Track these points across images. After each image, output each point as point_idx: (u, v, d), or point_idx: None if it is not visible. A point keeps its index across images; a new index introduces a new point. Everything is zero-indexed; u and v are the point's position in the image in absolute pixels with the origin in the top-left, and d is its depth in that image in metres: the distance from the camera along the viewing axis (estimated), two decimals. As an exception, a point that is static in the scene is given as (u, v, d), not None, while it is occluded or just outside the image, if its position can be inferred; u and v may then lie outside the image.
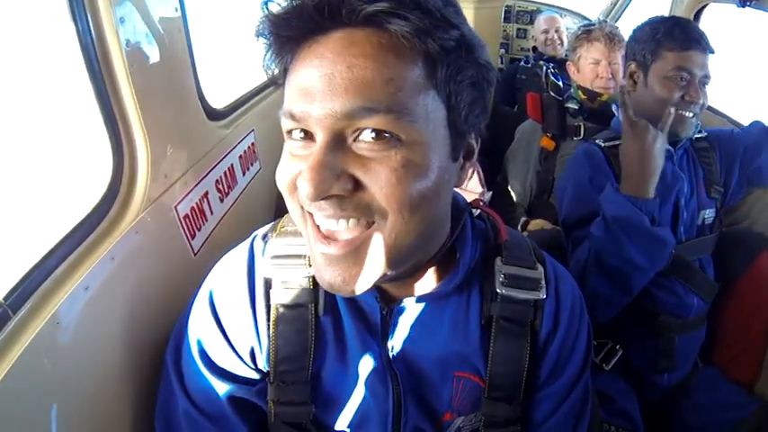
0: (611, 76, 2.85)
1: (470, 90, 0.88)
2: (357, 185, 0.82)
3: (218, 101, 1.90)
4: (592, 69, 2.91)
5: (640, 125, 1.79)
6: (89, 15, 1.16)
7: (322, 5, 0.79)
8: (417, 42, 0.79)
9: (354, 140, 0.82)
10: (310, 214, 0.89)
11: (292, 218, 0.96)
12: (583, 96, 2.94)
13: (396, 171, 0.81)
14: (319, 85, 0.80)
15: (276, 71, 0.89)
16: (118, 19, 1.19)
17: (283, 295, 1.09)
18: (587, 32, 2.93)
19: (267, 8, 0.84)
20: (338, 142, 0.82)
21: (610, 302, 1.87)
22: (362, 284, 0.89)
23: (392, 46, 0.80)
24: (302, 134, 0.85)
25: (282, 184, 0.90)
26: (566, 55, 4.35)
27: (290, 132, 0.87)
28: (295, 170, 0.86)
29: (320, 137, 0.82)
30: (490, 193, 2.96)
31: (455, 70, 0.85)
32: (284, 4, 0.83)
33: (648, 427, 1.95)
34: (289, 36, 0.84)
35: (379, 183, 0.82)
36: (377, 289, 1.05)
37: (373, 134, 0.80)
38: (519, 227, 2.94)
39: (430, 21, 0.79)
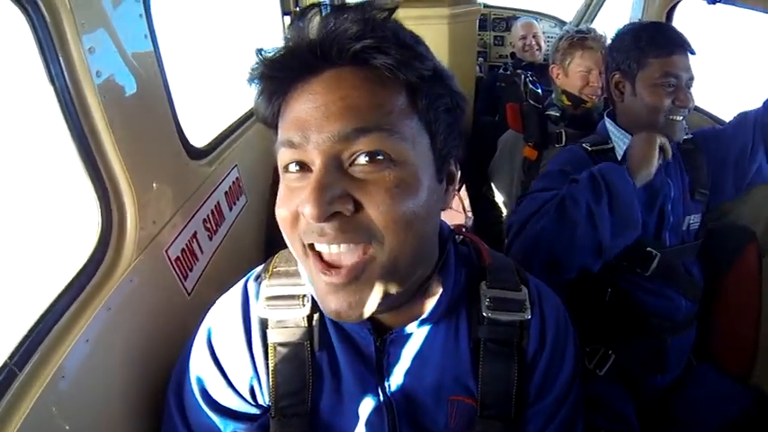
0: (600, 84, 2.81)
1: (446, 116, 0.96)
2: (356, 207, 0.87)
3: (199, 139, 1.92)
4: (582, 77, 2.90)
5: (653, 138, 1.87)
6: (65, 72, 1.18)
7: (314, 46, 0.88)
8: (399, 74, 0.88)
9: (350, 165, 0.88)
10: (311, 247, 0.93)
11: (293, 252, 1.00)
12: (567, 102, 2.95)
13: (390, 191, 0.87)
14: (315, 114, 0.87)
15: (269, 112, 0.96)
16: (94, 73, 1.21)
17: (280, 335, 1.13)
18: (582, 39, 2.92)
19: (261, 54, 0.92)
20: (336, 166, 0.88)
21: (552, 242, 1.82)
22: (368, 308, 0.93)
23: (378, 78, 0.88)
24: (298, 167, 0.91)
25: (283, 218, 0.94)
26: (545, 60, 4.38)
27: (286, 167, 0.92)
28: (296, 202, 0.90)
29: (318, 162, 0.87)
30: (472, 219, 2.97)
31: (433, 98, 0.93)
32: (278, 49, 0.91)
33: (645, 428, 1.97)
34: (283, 77, 0.92)
35: (376, 202, 0.87)
36: (369, 321, 1.08)
37: (367, 157, 0.87)
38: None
39: (408, 54, 0.88)
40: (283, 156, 0.92)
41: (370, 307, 0.93)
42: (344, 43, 0.86)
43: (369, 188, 0.87)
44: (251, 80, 0.95)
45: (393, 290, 0.95)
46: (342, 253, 0.91)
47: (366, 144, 0.86)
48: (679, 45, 1.94)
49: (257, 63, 0.92)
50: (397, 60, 0.87)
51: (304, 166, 0.90)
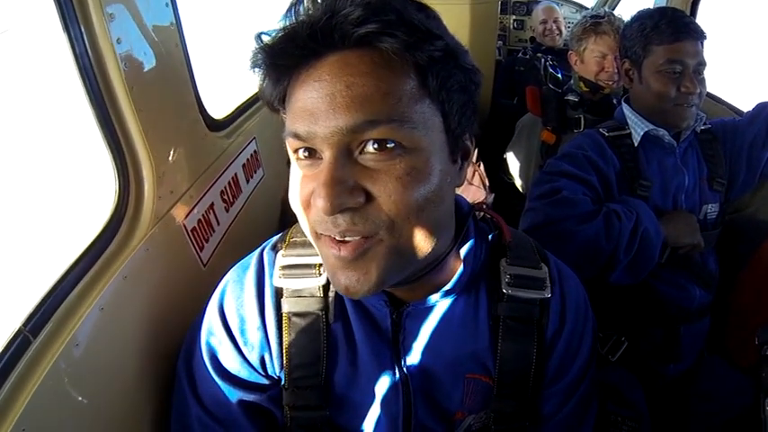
0: (616, 70, 2.79)
1: (460, 94, 0.92)
2: (368, 197, 0.86)
3: (218, 110, 1.91)
4: (597, 62, 2.88)
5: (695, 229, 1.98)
6: (86, 38, 1.17)
7: (314, 32, 0.83)
8: (408, 56, 0.84)
9: (360, 153, 0.86)
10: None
11: (304, 233, 0.99)
12: (584, 88, 2.94)
13: (401, 179, 0.86)
14: (322, 105, 0.84)
15: (274, 99, 0.93)
16: (115, 40, 1.20)
17: (294, 304, 1.12)
18: (596, 25, 2.89)
19: (261, 39, 0.88)
20: (345, 156, 0.86)
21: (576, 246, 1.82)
22: (377, 283, 0.92)
23: (385, 62, 0.84)
24: (307, 153, 0.89)
25: (296, 203, 0.94)
26: (564, 44, 4.35)
27: (296, 152, 0.91)
28: (307, 190, 0.89)
29: (327, 154, 0.86)
30: (492, 195, 2.96)
31: (445, 77, 0.89)
32: (277, 34, 0.87)
33: (656, 417, 1.95)
34: (285, 64, 0.88)
35: (387, 191, 0.86)
36: (386, 293, 1.08)
37: (376, 145, 0.85)
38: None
39: (416, 35, 0.84)
40: (291, 144, 0.91)
41: (380, 282, 0.92)
42: (347, 28, 0.82)
43: (380, 177, 0.86)
44: (253, 67, 0.92)
45: (403, 268, 0.95)
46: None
47: (375, 134, 0.84)
48: (684, 31, 1.91)
49: (258, 49, 0.89)
50: (404, 43, 0.83)
51: (313, 152, 0.89)
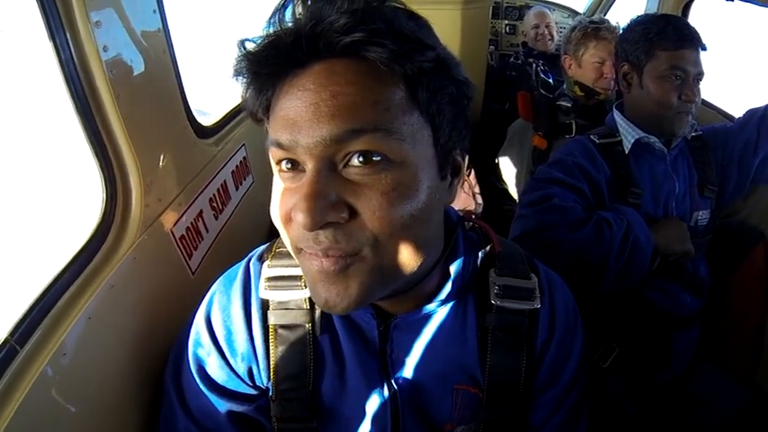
0: (613, 76, 2.76)
1: (451, 107, 0.89)
2: (351, 213, 0.83)
3: (207, 118, 1.90)
4: (596, 68, 2.88)
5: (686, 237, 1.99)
6: (71, 46, 1.15)
7: (299, 40, 0.80)
8: (396, 67, 0.81)
9: (344, 167, 0.83)
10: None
11: (287, 247, 0.96)
12: (579, 93, 2.92)
13: (386, 195, 0.82)
14: (305, 114, 0.80)
15: (258, 108, 0.90)
16: (101, 47, 1.19)
17: (281, 316, 1.11)
18: (596, 30, 2.88)
19: (244, 47, 0.85)
20: (329, 169, 0.82)
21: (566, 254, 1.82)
22: (358, 300, 0.89)
23: (372, 72, 0.81)
24: (289, 165, 0.86)
25: (277, 217, 0.91)
26: (556, 49, 4.35)
27: (278, 163, 0.88)
28: (289, 204, 0.86)
29: (310, 165, 0.83)
30: (481, 205, 2.95)
31: (435, 89, 0.86)
32: (261, 41, 0.84)
33: (647, 424, 1.96)
34: (269, 73, 0.85)
35: (372, 207, 0.82)
36: (372, 306, 1.07)
37: (361, 158, 0.81)
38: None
39: (406, 45, 0.81)
40: (273, 155, 0.88)
41: (360, 300, 0.89)
42: (332, 37, 0.79)
43: (364, 192, 0.83)
44: (236, 75, 0.88)
45: (386, 286, 0.92)
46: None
47: (361, 144, 0.81)
48: (688, 39, 1.92)
49: (241, 57, 0.86)
50: (392, 53, 0.79)
51: (296, 164, 0.86)
